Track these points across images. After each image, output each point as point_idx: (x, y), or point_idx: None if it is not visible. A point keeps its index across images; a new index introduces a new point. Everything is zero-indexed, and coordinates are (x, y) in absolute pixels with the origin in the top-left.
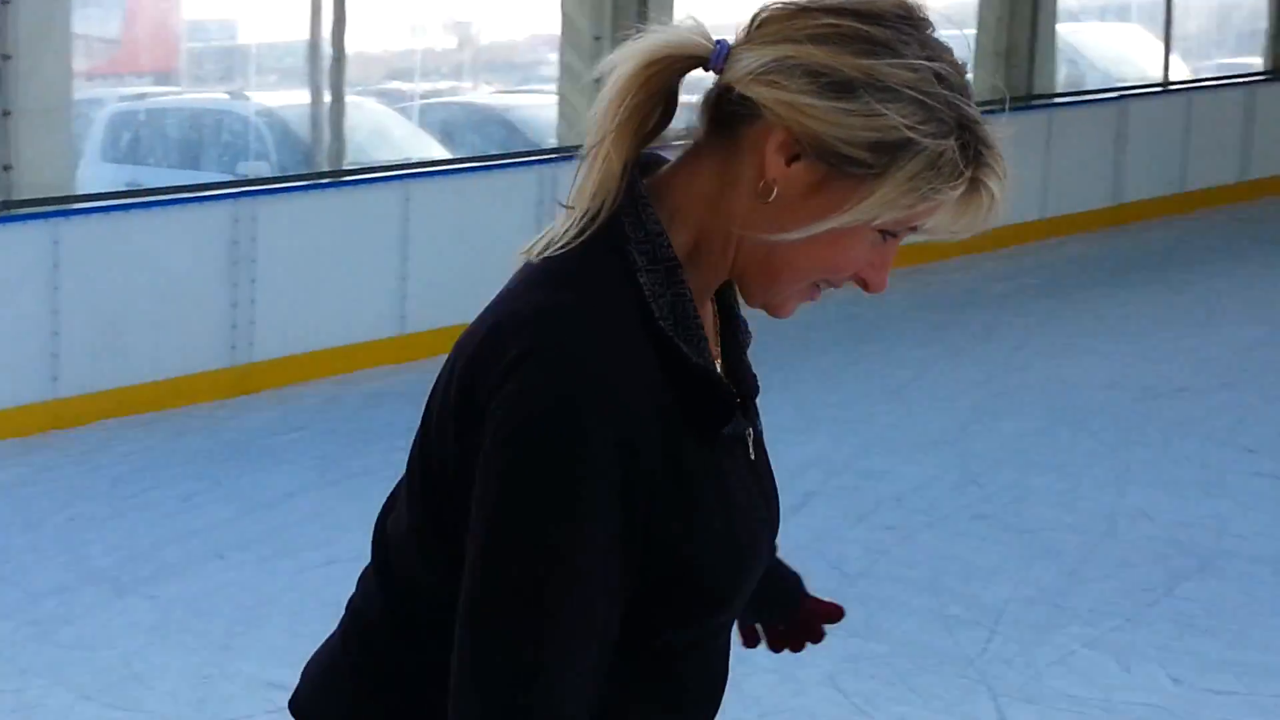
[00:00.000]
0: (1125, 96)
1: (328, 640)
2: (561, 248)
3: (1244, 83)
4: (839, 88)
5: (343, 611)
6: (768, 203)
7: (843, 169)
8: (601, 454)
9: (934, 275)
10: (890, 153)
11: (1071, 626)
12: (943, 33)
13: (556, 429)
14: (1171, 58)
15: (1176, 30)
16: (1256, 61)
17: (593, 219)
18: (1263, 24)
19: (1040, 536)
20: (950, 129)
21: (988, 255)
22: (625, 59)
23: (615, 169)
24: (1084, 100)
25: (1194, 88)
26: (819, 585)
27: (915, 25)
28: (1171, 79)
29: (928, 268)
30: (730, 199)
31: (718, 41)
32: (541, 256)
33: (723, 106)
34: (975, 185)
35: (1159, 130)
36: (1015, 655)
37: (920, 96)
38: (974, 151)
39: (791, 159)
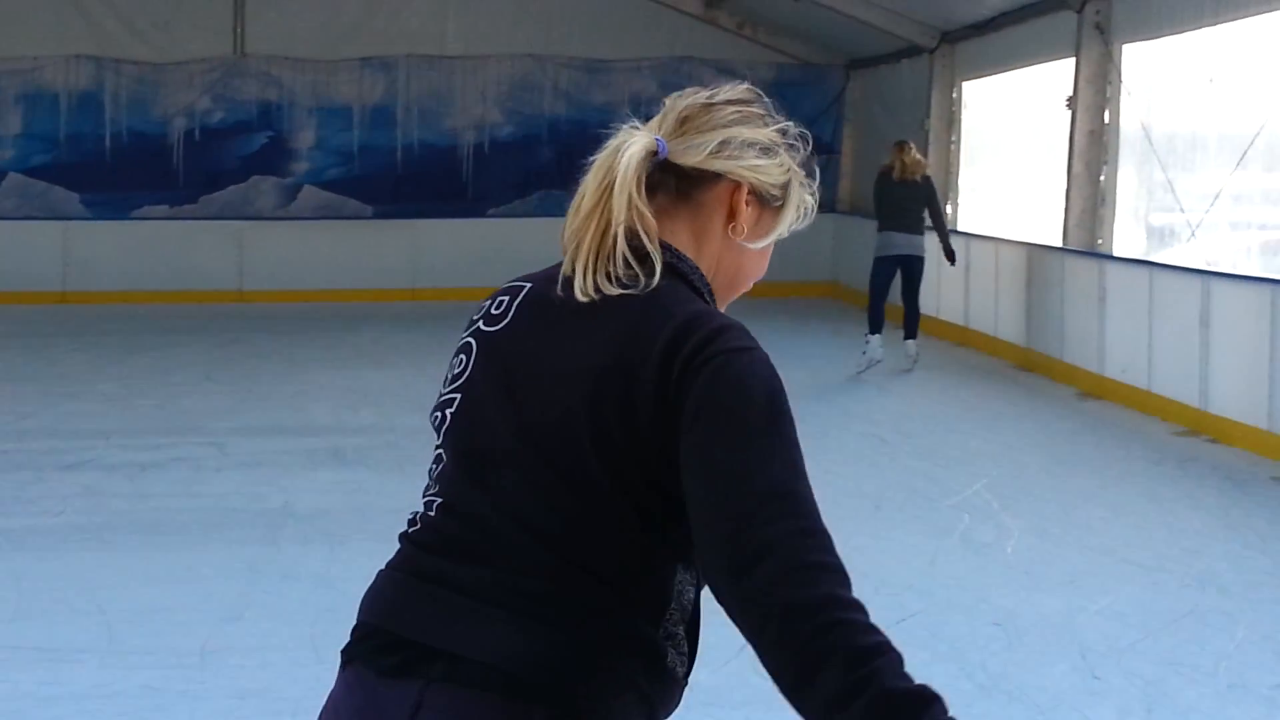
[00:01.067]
0: None
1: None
2: (646, 285)
3: None
4: (766, 151)
5: None
6: (731, 236)
7: (770, 204)
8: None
9: None
10: (787, 188)
11: None
12: None
13: (770, 377)
14: None
15: None
16: None
17: (646, 266)
18: None
19: None
20: (801, 162)
21: None
22: (624, 163)
23: (653, 235)
24: None
25: None
26: None
27: (764, 98)
28: None
29: None
30: (707, 241)
31: (656, 139)
32: (627, 292)
33: (680, 180)
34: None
35: None
36: None
37: (790, 144)
38: (810, 173)
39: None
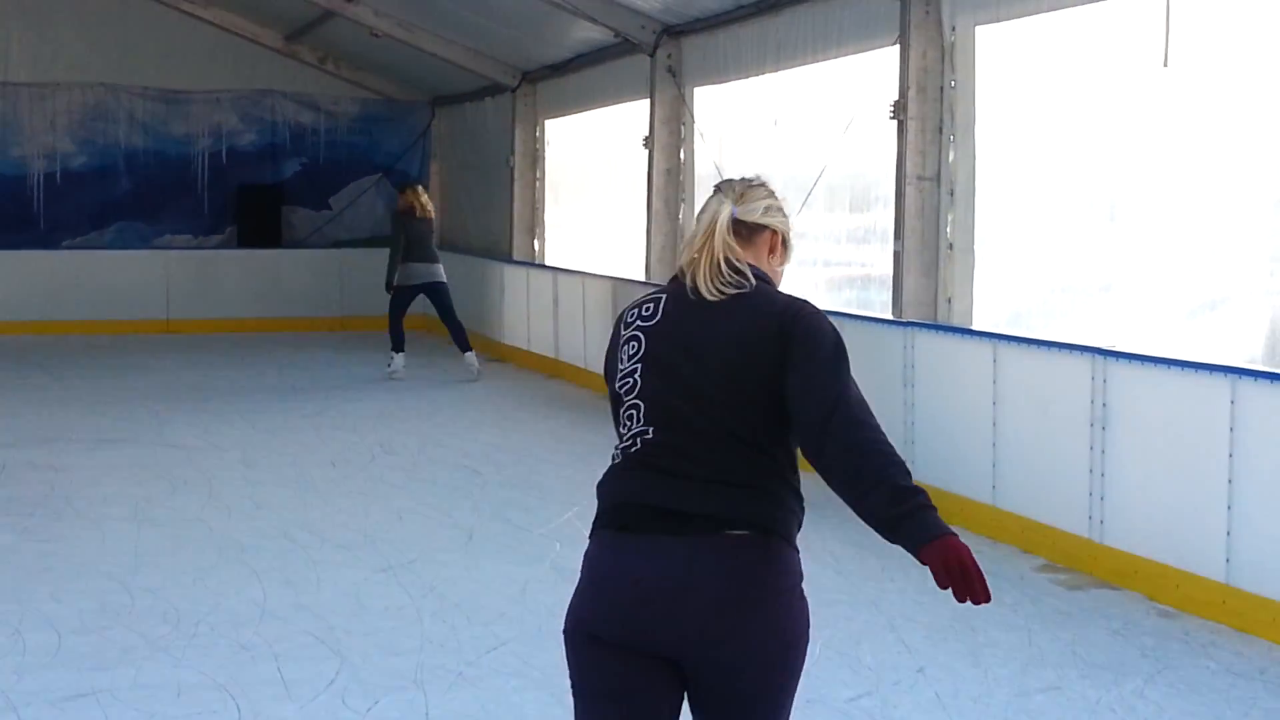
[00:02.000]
0: None
1: (681, 541)
2: (752, 287)
3: None
4: (783, 212)
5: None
6: (771, 263)
7: (786, 244)
8: None
9: None
10: (788, 236)
11: None
12: None
13: (836, 331)
14: None
15: None
16: None
17: (742, 276)
18: None
19: None
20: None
21: None
22: (722, 220)
23: (741, 260)
24: None
25: None
26: None
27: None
28: None
29: None
30: (762, 263)
31: (732, 207)
32: (737, 291)
33: (746, 229)
34: None
35: None
36: None
37: (784, 212)
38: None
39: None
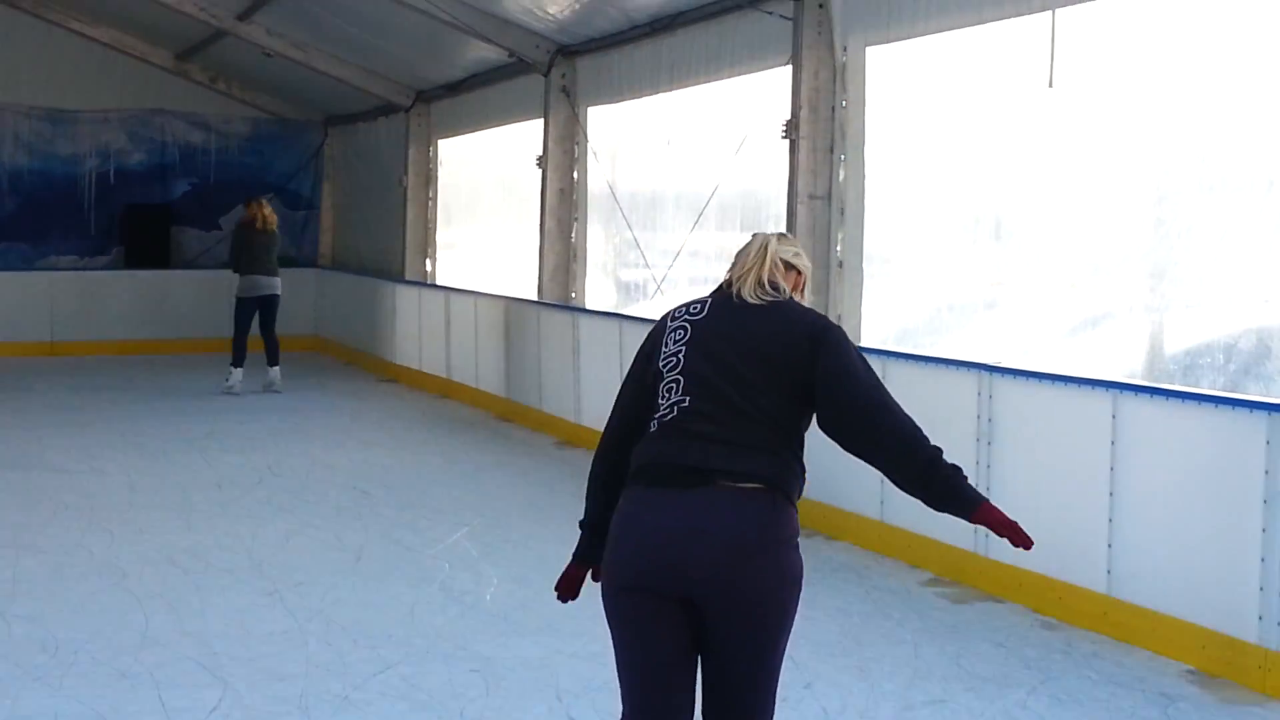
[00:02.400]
0: None
1: (705, 494)
2: (782, 299)
3: None
4: (806, 260)
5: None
6: (795, 296)
7: (808, 284)
8: None
9: None
10: (809, 276)
11: None
12: None
13: (847, 335)
14: None
15: None
16: None
17: (779, 291)
18: None
19: None
20: None
21: None
22: (771, 248)
23: (780, 280)
24: None
25: None
26: None
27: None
28: None
29: None
30: (794, 292)
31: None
32: (773, 299)
33: (784, 263)
34: None
35: None
36: None
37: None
38: None
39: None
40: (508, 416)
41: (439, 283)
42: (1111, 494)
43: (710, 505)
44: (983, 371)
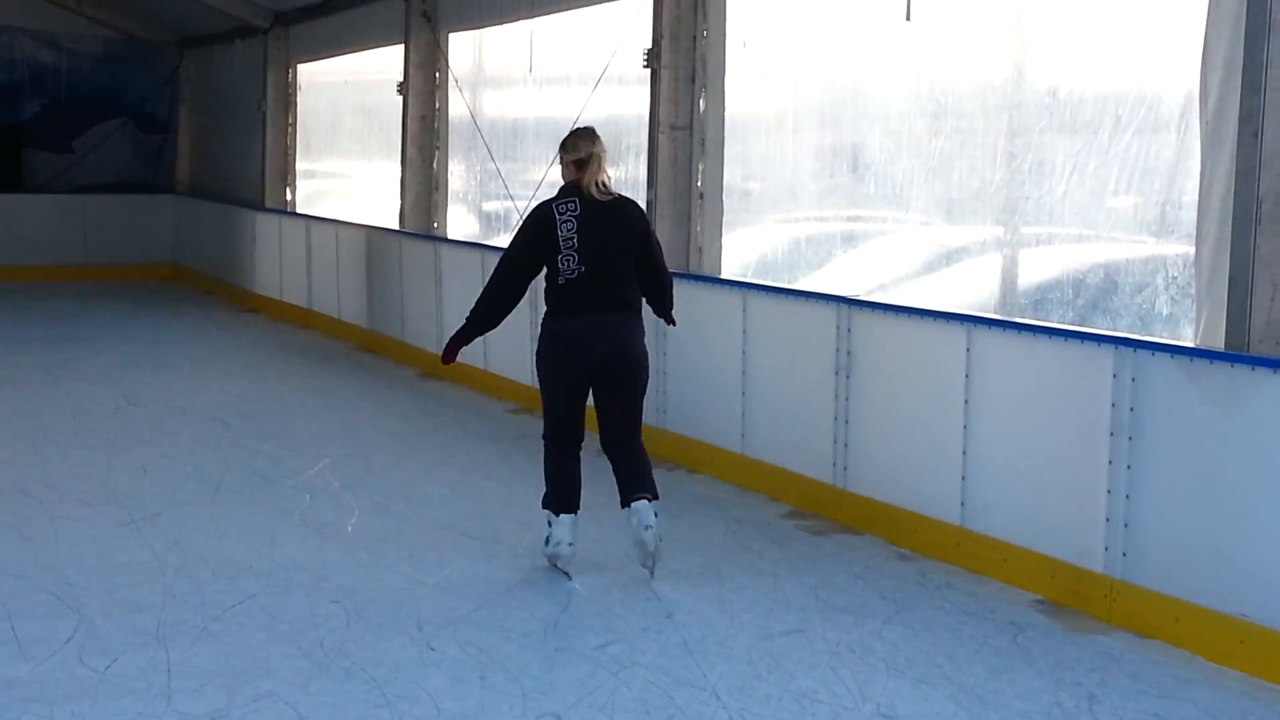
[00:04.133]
0: None
1: (617, 316)
2: (618, 196)
3: None
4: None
5: None
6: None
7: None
8: None
9: None
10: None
11: None
12: None
13: None
14: None
15: None
16: None
17: (610, 190)
18: None
19: None
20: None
21: None
22: (601, 152)
23: (608, 180)
24: None
25: None
26: None
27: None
28: None
29: None
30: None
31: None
32: (610, 193)
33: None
34: None
35: None
36: None
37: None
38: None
39: None
40: (370, 347)
41: (299, 211)
42: (965, 427)
43: (619, 321)
44: (841, 304)
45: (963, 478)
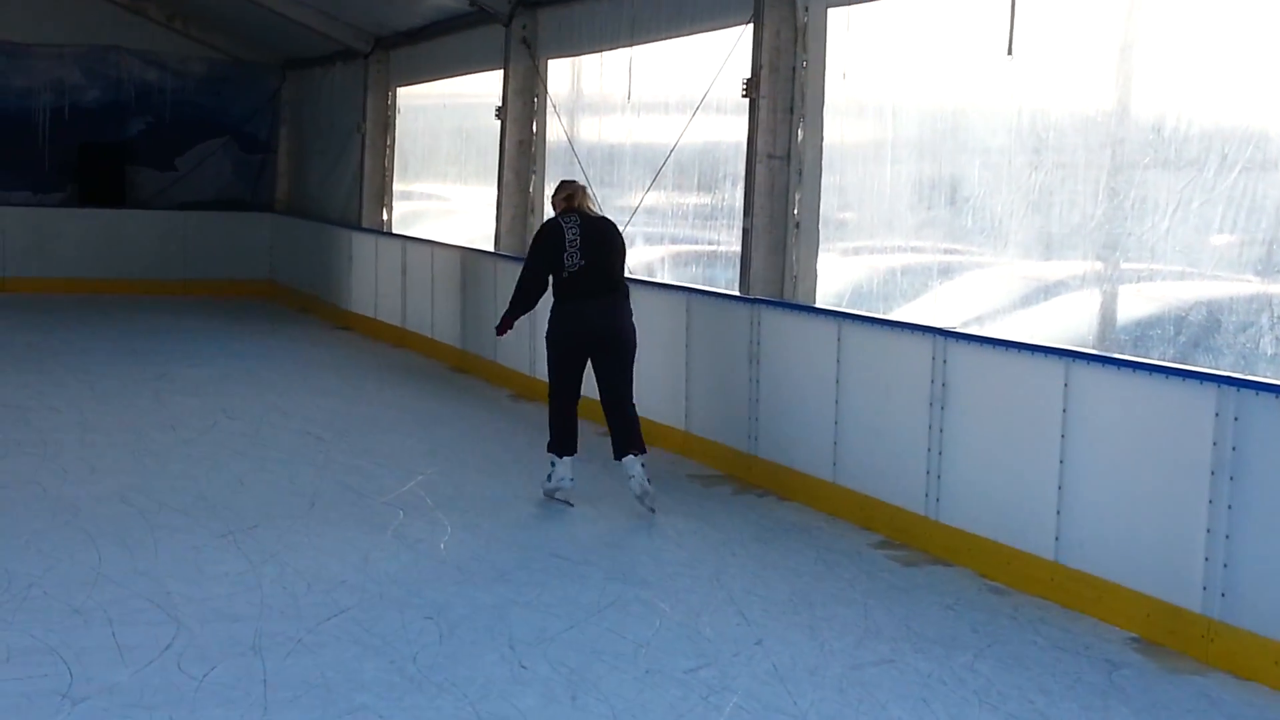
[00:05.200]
0: None
1: (609, 298)
2: (601, 214)
3: None
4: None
5: None
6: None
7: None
8: None
9: None
10: None
11: None
12: None
13: None
14: None
15: None
16: None
17: (596, 210)
18: None
19: None
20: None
21: None
22: (584, 184)
23: (594, 204)
24: None
25: None
26: None
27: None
28: None
29: None
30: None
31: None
32: (597, 215)
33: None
34: None
35: None
36: None
37: None
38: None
39: None
40: (462, 368)
41: (395, 231)
42: (1062, 461)
43: (613, 303)
44: (938, 336)
45: (1058, 512)
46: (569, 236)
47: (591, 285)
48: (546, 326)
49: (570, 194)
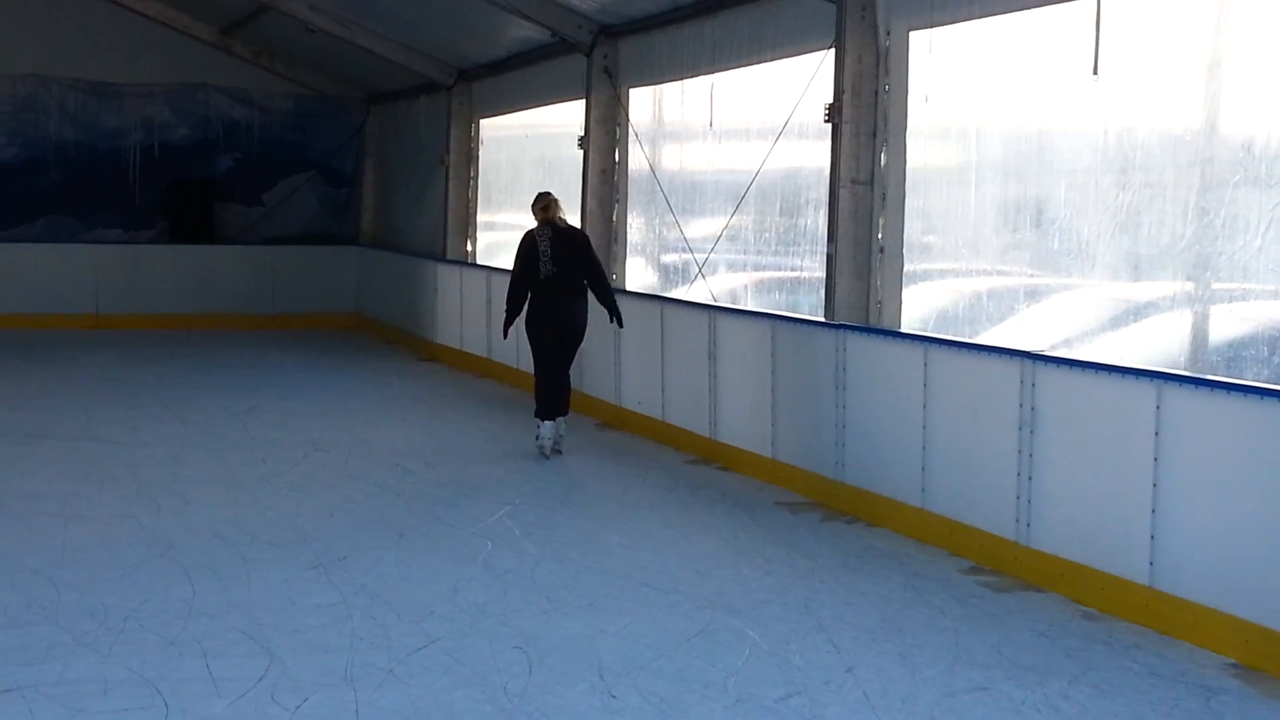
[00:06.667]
0: None
1: (573, 299)
2: (569, 225)
3: None
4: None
5: None
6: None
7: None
8: None
9: None
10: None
11: None
12: None
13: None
14: None
15: None
16: None
17: (565, 220)
18: None
19: None
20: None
21: None
22: (557, 199)
23: (565, 216)
24: None
25: None
26: None
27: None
28: None
29: None
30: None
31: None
32: (567, 225)
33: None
34: None
35: None
36: None
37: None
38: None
39: None
40: None
41: (479, 262)
42: (1155, 485)
43: (575, 303)
44: (1026, 359)
45: (1151, 536)
46: (542, 248)
47: (562, 287)
48: (525, 317)
49: (546, 205)
